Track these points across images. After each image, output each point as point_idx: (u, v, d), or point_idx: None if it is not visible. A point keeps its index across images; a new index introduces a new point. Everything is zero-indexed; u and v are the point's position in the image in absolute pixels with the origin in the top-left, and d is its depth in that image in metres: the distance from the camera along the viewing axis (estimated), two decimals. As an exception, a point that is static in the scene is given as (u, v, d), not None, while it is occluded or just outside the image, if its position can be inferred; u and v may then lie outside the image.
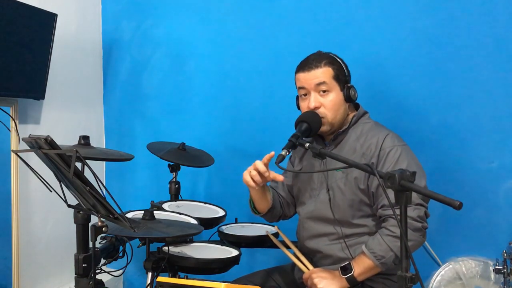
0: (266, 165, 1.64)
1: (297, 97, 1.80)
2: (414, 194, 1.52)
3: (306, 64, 1.72)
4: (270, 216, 1.89)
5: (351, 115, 1.77)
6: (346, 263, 1.61)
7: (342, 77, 1.71)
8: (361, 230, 1.69)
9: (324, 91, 1.69)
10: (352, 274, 1.58)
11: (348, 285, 1.60)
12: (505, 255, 1.78)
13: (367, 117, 1.79)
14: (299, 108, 1.78)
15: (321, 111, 1.69)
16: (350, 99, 1.71)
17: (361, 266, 1.59)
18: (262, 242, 2.02)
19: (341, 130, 1.74)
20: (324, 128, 1.70)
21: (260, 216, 1.89)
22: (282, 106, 2.46)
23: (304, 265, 1.75)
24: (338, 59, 1.74)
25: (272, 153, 1.62)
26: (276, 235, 1.98)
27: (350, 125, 1.74)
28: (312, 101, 1.69)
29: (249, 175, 1.66)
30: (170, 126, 2.80)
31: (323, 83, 1.68)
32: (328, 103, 1.69)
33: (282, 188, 1.95)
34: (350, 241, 1.70)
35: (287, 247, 1.89)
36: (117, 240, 1.75)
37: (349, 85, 1.72)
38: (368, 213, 1.69)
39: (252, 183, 1.65)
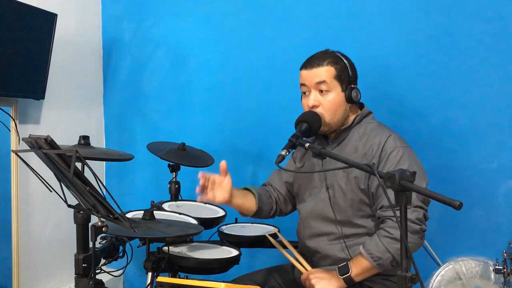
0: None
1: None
2: (413, 196, 1.52)
3: (309, 62, 1.72)
4: (258, 216, 1.91)
5: (353, 116, 1.76)
6: (344, 263, 1.61)
7: (345, 78, 1.70)
8: (360, 231, 1.69)
9: (324, 91, 1.69)
10: (349, 274, 1.58)
11: (346, 286, 1.60)
12: (505, 255, 1.78)
13: (371, 117, 1.78)
14: (303, 106, 1.78)
15: (319, 111, 1.69)
16: (351, 100, 1.71)
17: (358, 267, 1.59)
18: (262, 242, 2.02)
19: (342, 128, 1.74)
20: (322, 128, 1.70)
21: (250, 217, 1.91)
22: (282, 106, 2.46)
23: (302, 266, 1.75)
24: (344, 59, 1.72)
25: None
26: (274, 236, 1.98)
27: (353, 124, 1.74)
28: (310, 100, 1.69)
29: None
30: (170, 126, 2.80)
31: (323, 82, 1.68)
32: (326, 103, 1.69)
33: (280, 184, 1.95)
34: (350, 241, 1.70)
35: (286, 248, 1.88)
36: (117, 240, 1.75)
37: (352, 86, 1.71)
38: (368, 213, 1.69)
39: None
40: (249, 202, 1.84)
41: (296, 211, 1.93)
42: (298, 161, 1.91)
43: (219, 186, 1.70)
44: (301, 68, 1.75)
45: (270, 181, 1.98)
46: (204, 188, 1.70)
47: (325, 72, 1.68)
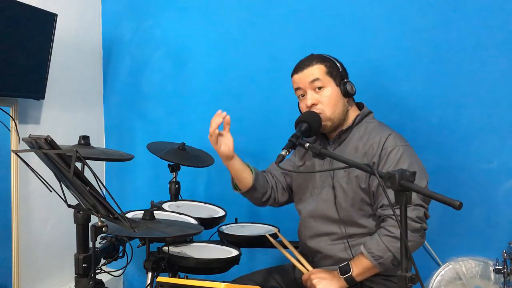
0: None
1: (298, 103, 1.82)
2: (414, 195, 1.52)
3: (298, 66, 1.76)
4: (251, 196, 1.91)
5: (352, 112, 1.77)
6: (345, 263, 1.62)
7: (336, 73, 1.72)
8: (362, 230, 1.69)
9: (319, 88, 1.71)
10: (351, 274, 1.59)
11: (347, 285, 1.60)
12: (505, 255, 1.78)
13: (371, 116, 1.79)
14: (301, 112, 1.79)
15: (319, 108, 1.70)
16: (348, 94, 1.72)
17: (360, 267, 1.59)
18: (262, 242, 2.02)
19: (344, 129, 1.74)
20: (324, 124, 1.71)
21: (242, 194, 1.91)
22: (282, 106, 2.46)
23: (303, 266, 1.75)
24: (330, 57, 1.76)
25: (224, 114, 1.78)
26: (274, 236, 1.98)
27: (354, 124, 1.75)
28: (309, 99, 1.71)
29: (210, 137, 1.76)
30: (170, 126, 2.80)
31: (317, 79, 1.70)
32: (324, 99, 1.70)
33: (279, 173, 1.96)
34: (352, 241, 1.70)
35: (286, 248, 1.89)
36: (117, 240, 1.75)
37: (345, 80, 1.73)
38: (369, 212, 1.69)
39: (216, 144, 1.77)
40: (246, 174, 1.85)
41: (295, 211, 1.93)
42: (298, 161, 1.91)
43: (222, 139, 1.77)
44: (292, 75, 1.78)
45: (270, 169, 2.00)
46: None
47: (316, 69, 1.71)
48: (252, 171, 1.87)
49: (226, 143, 1.78)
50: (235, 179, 1.87)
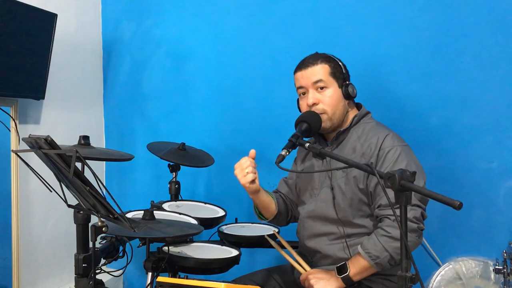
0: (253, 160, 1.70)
1: (298, 100, 1.81)
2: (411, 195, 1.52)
3: (303, 63, 1.75)
4: (277, 222, 1.92)
5: (351, 114, 1.77)
6: (342, 263, 1.62)
7: (340, 74, 1.72)
8: (360, 231, 1.69)
9: (321, 88, 1.71)
10: (348, 274, 1.59)
11: (344, 285, 1.60)
12: (505, 255, 1.79)
13: (369, 117, 1.79)
14: (300, 110, 1.79)
15: (320, 107, 1.70)
16: (349, 96, 1.73)
17: (357, 266, 1.59)
18: (262, 242, 2.02)
19: (342, 130, 1.74)
20: (324, 125, 1.71)
21: (268, 221, 1.91)
22: (282, 106, 2.46)
23: (301, 266, 1.75)
24: (335, 58, 1.76)
25: (253, 151, 1.71)
26: (273, 237, 1.98)
27: (351, 125, 1.75)
28: (310, 98, 1.71)
29: (245, 176, 1.67)
30: (170, 126, 2.80)
31: (320, 80, 1.70)
32: (326, 99, 1.70)
33: (289, 190, 1.96)
34: (350, 241, 1.70)
35: (284, 249, 1.89)
36: (117, 240, 1.75)
37: (347, 82, 1.73)
38: (367, 213, 1.69)
39: (250, 181, 1.67)
40: (271, 203, 1.85)
41: None
42: (299, 165, 1.92)
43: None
44: (295, 72, 1.77)
45: (280, 189, 1.99)
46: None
47: (320, 69, 1.71)
48: (273, 197, 1.87)
49: (255, 179, 1.71)
50: (261, 209, 1.86)
